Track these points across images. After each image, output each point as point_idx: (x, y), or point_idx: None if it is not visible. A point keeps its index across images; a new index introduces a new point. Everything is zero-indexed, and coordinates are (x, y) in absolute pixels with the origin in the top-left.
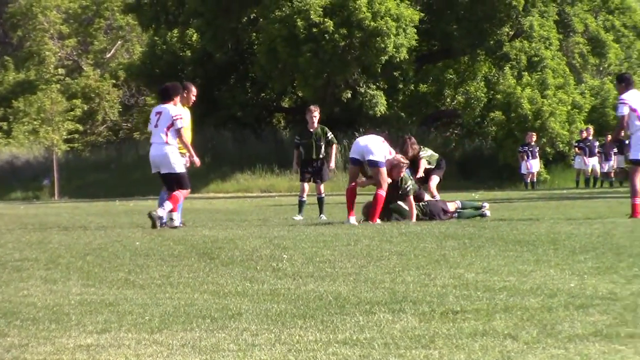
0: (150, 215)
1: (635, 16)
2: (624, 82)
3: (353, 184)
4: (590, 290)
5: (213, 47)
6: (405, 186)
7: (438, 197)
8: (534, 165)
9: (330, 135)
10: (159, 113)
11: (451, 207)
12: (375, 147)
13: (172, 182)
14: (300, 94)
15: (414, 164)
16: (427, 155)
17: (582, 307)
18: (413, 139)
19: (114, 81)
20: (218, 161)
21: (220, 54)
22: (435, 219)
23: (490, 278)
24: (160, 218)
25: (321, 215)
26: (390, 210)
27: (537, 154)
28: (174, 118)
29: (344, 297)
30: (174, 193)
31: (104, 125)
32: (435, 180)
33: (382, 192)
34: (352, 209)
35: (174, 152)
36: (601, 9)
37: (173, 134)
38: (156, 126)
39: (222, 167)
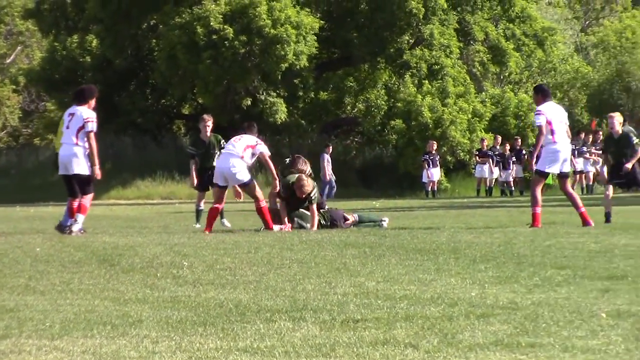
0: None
1: (536, 25)
2: (540, 93)
3: (218, 205)
4: (491, 300)
5: (113, 53)
6: (311, 195)
7: None
8: (435, 173)
9: (223, 143)
10: (72, 114)
11: (350, 218)
12: (238, 168)
13: (77, 184)
14: (200, 101)
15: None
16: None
17: (483, 316)
18: (303, 158)
19: (14, 87)
20: (118, 167)
21: (120, 60)
22: (337, 225)
23: (391, 287)
24: (68, 229)
25: (222, 220)
26: (292, 216)
27: (438, 162)
28: (85, 120)
29: (244, 304)
30: (82, 203)
31: (4, 131)
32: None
33: (262, 203)
34: (211, 226)
35: (83, 154)
36: (502, 18)
37: (82, 137)
38: (67, 127)
39: (123, 174)
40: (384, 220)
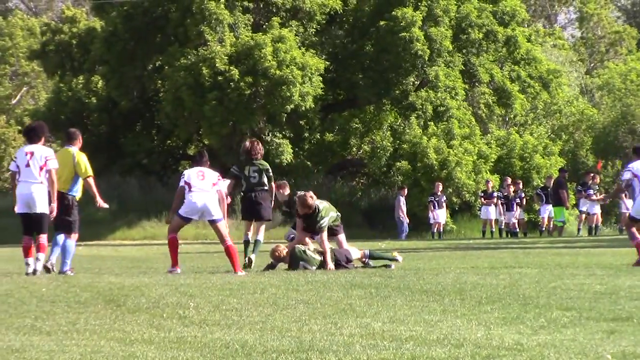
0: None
1: (541, 67)
2: (635, 153)
3: (174, 235)
4: (496, 341)
5: (118, 94)
6: (321, 221)
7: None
8: (441, 215)
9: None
10: (30, 153)
11: (356, 254)
12: (213, 205)
13: (38, 223)
14: (206, 142)
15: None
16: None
17: (488, 357)
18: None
19: (19, 127)
20: (124, 208)
21: (125, 101)
22: (341, 266)
23: (397, 328)
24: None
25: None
26: (297, 259)
27: (443, 203)
28: (48, 158)
29: (250, 345)
30: (42, 242)
31: (9, 172)
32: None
33: (230, 243)
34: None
35: (45, 192)
36: (507, 60)
37: (44, 174)
38: (27, 166)
39: (129, 215)
40: (398, 259)
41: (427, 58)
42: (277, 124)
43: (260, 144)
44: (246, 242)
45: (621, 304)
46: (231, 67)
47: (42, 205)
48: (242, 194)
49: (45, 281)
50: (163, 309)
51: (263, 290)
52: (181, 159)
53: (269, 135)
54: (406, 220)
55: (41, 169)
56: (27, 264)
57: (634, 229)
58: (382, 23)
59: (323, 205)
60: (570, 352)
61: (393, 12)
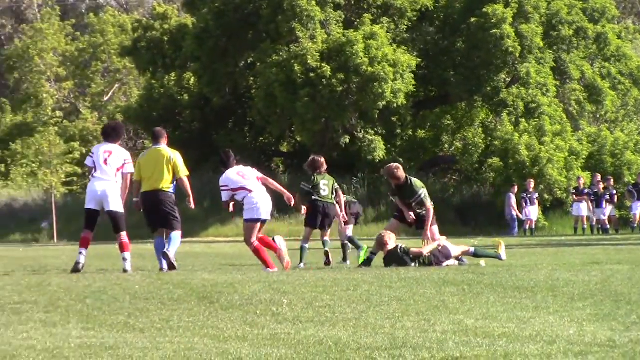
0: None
1: (632, 64)
2: None
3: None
4: (589, 337)
5: (210, 91)
6: (419, 192)
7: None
8: (533, 212)
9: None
10: (109, 152)
11: (456, 251)
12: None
13: (118, 221)
14: (298, 139)
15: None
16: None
17: (580, 354)
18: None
19: None
20: (217, 205)
21: (217, 98)
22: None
23: (490, 324)
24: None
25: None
26: (394, 259)
27: (535, 200)
28: (126, 162)
29: (344, 342)
30: (124, 241)
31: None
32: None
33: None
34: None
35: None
36: (597, 57)
37: (119, 175)
38: (105, 163)
39: (221, 212)
40: (501, 257)
41: (518, 55)
42: (369, 121)
43: (322, 159)
44: (303, 249)
45: None
46: (323, 64)
47: (116, 203)
48: (311, 202)
49: (138, 278)
50: (256, 306)
51: (356, 287)
52: (274, 156)
53: (361, 132)
54: (519, 216)
55: (118, 169)
56: (81, 253)
57: None
58: (473, 20)
59: (414, 180)
60: None
61: (484, 9)
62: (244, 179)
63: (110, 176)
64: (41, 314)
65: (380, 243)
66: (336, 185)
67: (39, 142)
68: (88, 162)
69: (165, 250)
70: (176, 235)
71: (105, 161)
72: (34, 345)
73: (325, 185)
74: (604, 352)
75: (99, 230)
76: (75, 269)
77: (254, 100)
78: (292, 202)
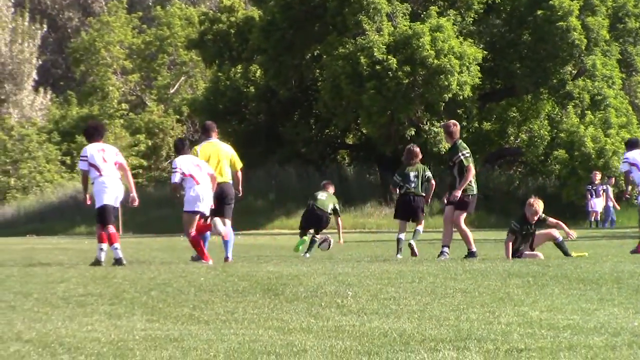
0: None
1: None
2: None
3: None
4: None
5: (277, 83)
6: (459, 155)
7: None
8: (598, 204)
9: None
10: (102, 149)
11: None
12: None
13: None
14: (364, 131)
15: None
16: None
17: None
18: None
19: (177, 117)
20: (283, 197)
21: (283, 90)
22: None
23: (554, 316)
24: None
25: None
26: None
27: (601, 193)
28: (117, 154)
29: (408, 334)
30: (112, 232)
31: (168, 161)
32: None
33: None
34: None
35: None
36: None
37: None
38: (105, 161)
39: (287, 204)
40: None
41: (584, 47)
42: (435, 113)
43: (417, 148)
44: (398, 240)
45: None
46: (389, 57)
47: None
48: (400, 195)
49: (203, 270)
50: (321, 298)
51: (421, 279)
52: (339, 148)
53: (427, 124)
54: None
55: (115, 163)
56: (102, 250)
57: None
58: (539, 12)
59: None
60: None
61: (550, 2)
62: (200, 170)
63: (114, 172)
64: (106, 306)
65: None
66: (427, 173)
67: (105, 135)
68: (83, 166)
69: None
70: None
71: (104, 159)
72: (98, 337)
73: (415, 177)
74: None
75: (164, 224)
76: (97, 263)
77: (319, 92)
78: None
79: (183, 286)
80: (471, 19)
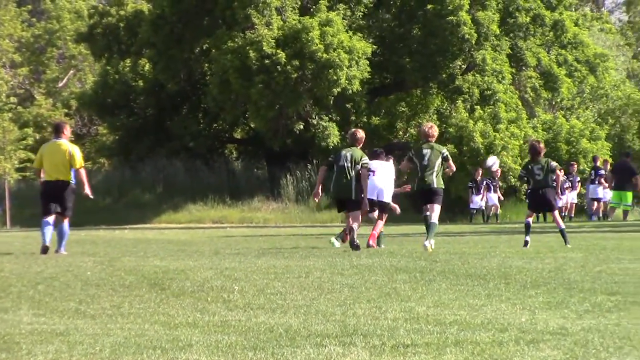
0: None
1: (588, 51)
2: None
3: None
4: (541, 325)
5: (165, 77)
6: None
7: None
8: (478, 199)
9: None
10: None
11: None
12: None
13: None
14: (252, 125)
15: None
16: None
17: (532, 342)
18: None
19: (66, 110)
20: (170, 192)
21: (172, 84)
22: None
23: (441, 312)
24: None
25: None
26: None
27: (493, 188)
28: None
29: (294, 329)
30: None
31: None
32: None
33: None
34: None
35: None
36: (554, 44)
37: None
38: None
39: (174, 198)
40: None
41: (474, 42)
42: (323, 108)
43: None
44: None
45: None
46: (278, 51)
47: None
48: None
49: (90, 265)
50: (207, 293)
51: (308, 274)
52: (227, 142)
53: (315, 118)
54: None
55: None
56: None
57: None
58: (429, 7)
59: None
60: (615, 337)
61: None
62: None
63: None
64: None
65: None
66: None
67: None
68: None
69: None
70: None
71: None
72: None
73: (540, 170)
74: (556, 340)
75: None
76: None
77: (208, 86)
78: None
79: (70, 280)
80: (361, 13)
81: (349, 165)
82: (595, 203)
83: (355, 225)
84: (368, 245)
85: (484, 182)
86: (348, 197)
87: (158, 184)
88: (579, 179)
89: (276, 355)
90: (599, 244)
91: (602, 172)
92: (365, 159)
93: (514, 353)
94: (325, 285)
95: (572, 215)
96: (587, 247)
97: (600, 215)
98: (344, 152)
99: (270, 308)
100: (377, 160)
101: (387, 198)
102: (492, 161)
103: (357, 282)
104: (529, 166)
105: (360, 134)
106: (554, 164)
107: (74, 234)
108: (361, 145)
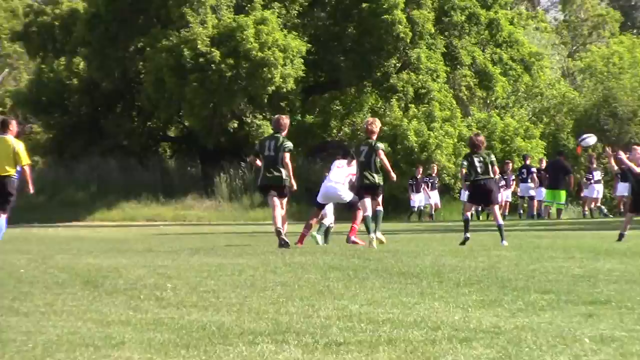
0: None
1: (523, 50)
2: None
3: None
4: (474, 324)
5: (100, 75)
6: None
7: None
8: (418, 198)
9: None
10: None
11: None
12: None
13: None
14: (186, 124)
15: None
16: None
17: (465, 340)
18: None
19: (1, 109)
20: (103, 190)
21: (106, 83)
22: None
23: (374, 310)
24: None
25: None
26: None
27: (436, 185)
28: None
29: (227, 327)
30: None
31: None
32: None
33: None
34: None
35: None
36: (489, 42)
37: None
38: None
39: (108, 196)
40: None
41: (409, 40)
42: (258, 106)
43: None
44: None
45: (599, 287)
46: (213, 49)
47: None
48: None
49: (23, 262)
50: (140, 291)
51: (241, 272)
52: (161, 140)
53: (249, 116)
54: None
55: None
56: None
57: None
58: (364, 5)
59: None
60: (548, 335)
61: None
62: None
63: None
64: None
65: None
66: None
67: None
68: None
69: None
70: (4, 219)
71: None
72: None
73: (480, 162)
74: (489, 338)
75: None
76: None
77: (142, 85)
78: None
79: (3, 278)
80: (296, 11)
81: (273, 154)
82: (529, 201)
83: (281, 214)
84: (349, 241)
85: (425, 180)
86: (278, 185)
87: (92, 182)
88: (513, 177)
89: (209, 353)
90: (533, 242)
91: (534, 169)
92: (287, 143)
93: (447, 351)
94: (258, 283)
95: (507, 214)
96: (521, 246)
97: (535, 213)
98: (267, 141)
99: (203, 306)
100: (341, 161)
101: (347, 196)
102: (594, 140)
103: (290, 280)
104: (470, 157)
105: (284, 120)
106: (493, 157)
107: (7, 232)
108: (286, 131)
